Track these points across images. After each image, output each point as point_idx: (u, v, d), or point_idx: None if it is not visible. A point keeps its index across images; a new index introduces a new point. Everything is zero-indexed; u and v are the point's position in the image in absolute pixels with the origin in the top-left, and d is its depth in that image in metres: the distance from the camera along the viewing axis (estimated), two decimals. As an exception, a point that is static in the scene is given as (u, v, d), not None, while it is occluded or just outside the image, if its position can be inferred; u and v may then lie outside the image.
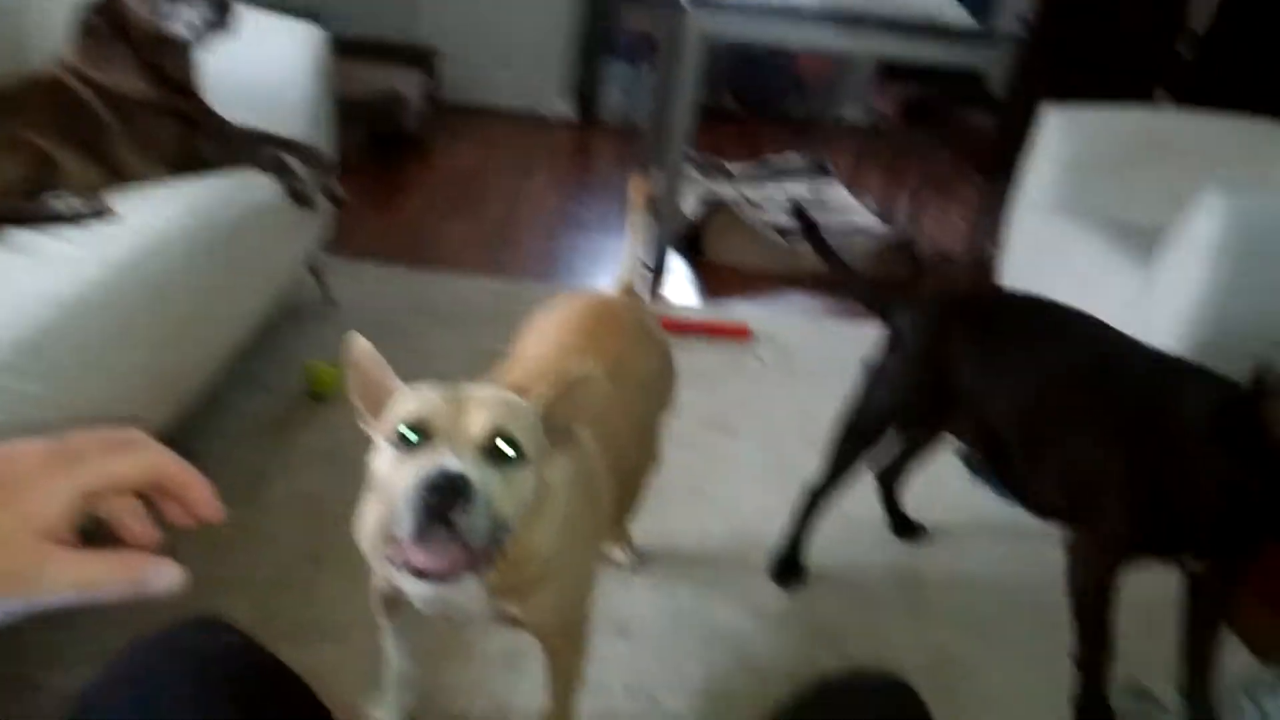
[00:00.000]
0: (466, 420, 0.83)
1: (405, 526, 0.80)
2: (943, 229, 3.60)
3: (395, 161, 3.59)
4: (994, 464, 1.47)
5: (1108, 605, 1.30)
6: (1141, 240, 2.02)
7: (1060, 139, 2.35)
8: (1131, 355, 1.35)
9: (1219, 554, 1.28)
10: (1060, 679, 1.36)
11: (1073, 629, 1.33)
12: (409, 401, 0.86)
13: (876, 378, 1.52)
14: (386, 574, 1.00)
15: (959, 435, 1.52)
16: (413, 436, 0.83)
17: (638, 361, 1.26)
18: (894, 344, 1.50)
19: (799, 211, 1.66)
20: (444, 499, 0.78)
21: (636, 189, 1.47)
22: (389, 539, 0.84)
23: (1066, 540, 1.35)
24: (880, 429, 1.52)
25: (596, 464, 1.05)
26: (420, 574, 0.82)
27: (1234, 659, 1.47)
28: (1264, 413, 1.15)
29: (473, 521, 0.79)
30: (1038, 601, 1.59)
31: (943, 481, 1.89)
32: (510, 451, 0.84)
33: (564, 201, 3.60)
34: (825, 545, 1.67)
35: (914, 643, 1.50)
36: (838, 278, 1.65)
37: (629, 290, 1.41)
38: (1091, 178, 2.34)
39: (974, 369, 1.42)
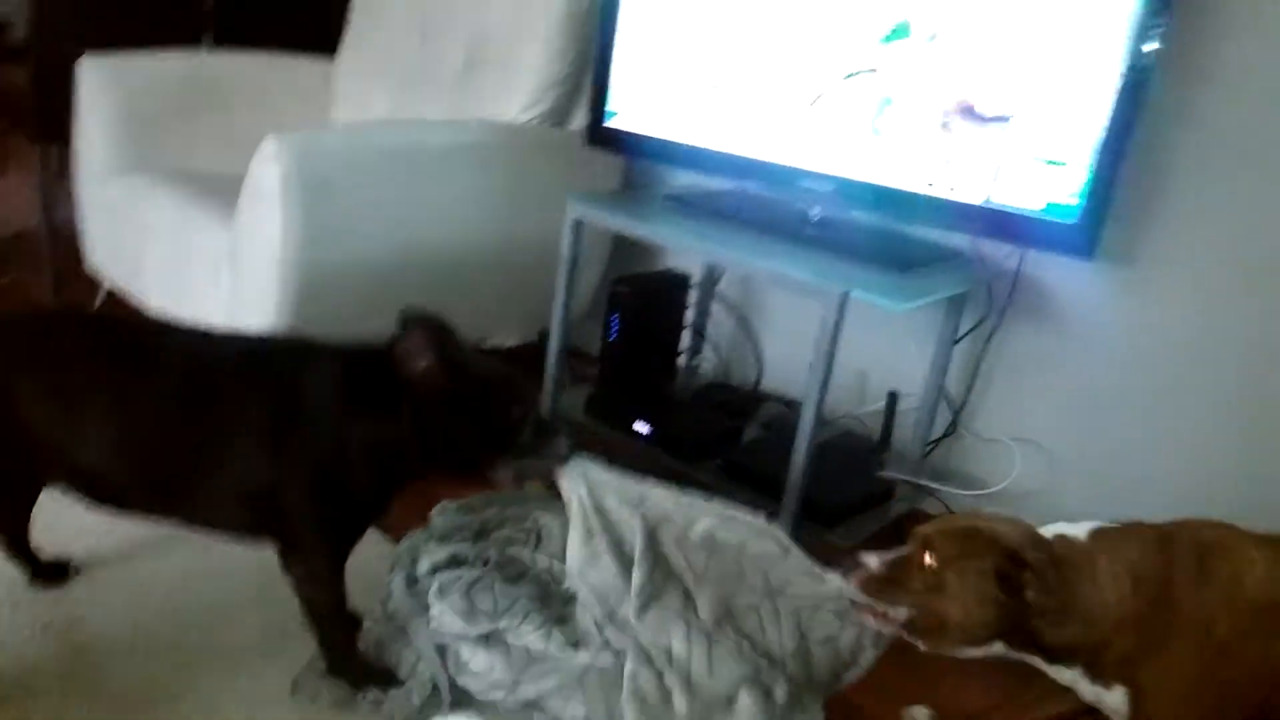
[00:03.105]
0: None
1: None
2: (10, 204, 3.11)
3: None
4: (114, 505, 1.30)
5: (344, 601, 1.31)
6: (224, 190, 1.97)
7: (106, 92, 2.15)
8: (233, 357, 1.28)
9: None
10: (273, 652, 1.35)
11: (313, 631, 1.32)
12: None
13: None
14: None
15: (56, 482, 1.30)
16: None
17: None
18: None
19: None
20: None
21: None
22: None
23: (282, 560, 1.29)
24: None
25: None
26: None
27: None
28: (396, 357, 1.19)
29: None
30: (226, 596, 1.51)
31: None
32: None
33: None
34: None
35: (91, 698, 1.29)
36: None
37: None
38: (153, 130, 2.21)
39: (54, 409, 1.21)
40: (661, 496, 1.48)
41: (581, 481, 1.44)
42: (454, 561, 1.48)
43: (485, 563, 1.49)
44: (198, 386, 1.24)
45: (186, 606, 1.48)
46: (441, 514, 1.60)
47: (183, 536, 1.61)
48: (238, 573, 1.54)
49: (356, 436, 1.22)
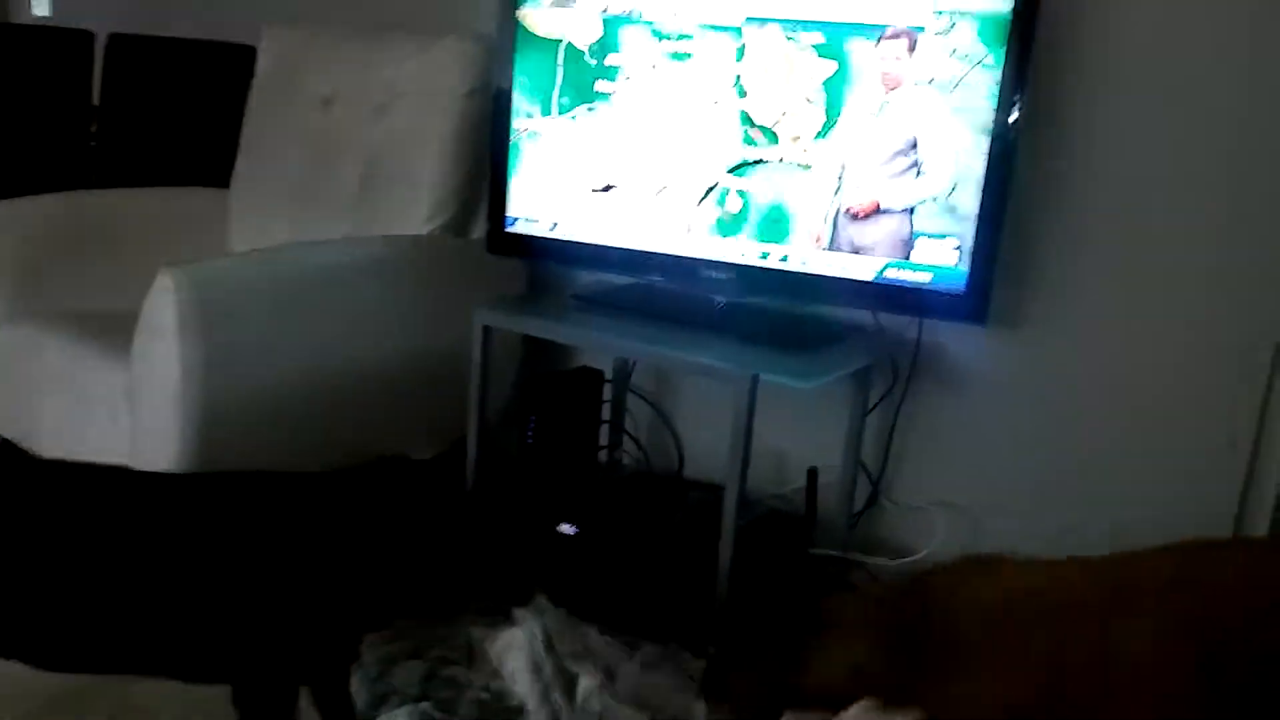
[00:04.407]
0: None
1: None
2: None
3: None
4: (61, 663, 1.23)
5: None
6: (119, 329, 1.92)
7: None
8: (200, 495, 1.27)
9: None
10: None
11: None
12: None
13: None
14: None
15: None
16: None
17: None
18: None
19: None
20: None
21: None
22: None
23: (235, 697, 1.22)
24: None
25: None
26: None
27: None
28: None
29: None
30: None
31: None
32: None
33: None
34: None
35: None
36: None
37: None
38: (40, 275, 2.16)
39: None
40: (601, 649, 1.50)
41: (537, 622, 1.46)
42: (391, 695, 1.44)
43: (422, 698, 1.45)
44: (169, 529, 1.21)
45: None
46: (372, 648, 1.55)
47: (93, 695, 1.53)
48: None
49: (329, 569, 1.20)
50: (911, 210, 1.65)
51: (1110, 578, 1.12)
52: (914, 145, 1.64)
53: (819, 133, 1.71)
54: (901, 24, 1.62)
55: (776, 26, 1.72)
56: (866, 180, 1.68)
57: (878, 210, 1.68)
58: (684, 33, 1.80)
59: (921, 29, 1.61)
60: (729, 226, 1.81)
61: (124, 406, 1.78)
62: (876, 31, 1.64)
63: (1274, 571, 1.07)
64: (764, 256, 1.79)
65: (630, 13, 1.84)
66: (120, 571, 1.18)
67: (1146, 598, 1.09)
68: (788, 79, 1.72)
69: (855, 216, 1.70)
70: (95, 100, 2.77)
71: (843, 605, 1.18)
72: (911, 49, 1.62)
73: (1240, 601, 1.05)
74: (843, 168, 1.70)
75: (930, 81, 1.61)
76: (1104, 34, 1.68)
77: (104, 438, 1.83)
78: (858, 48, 1.66)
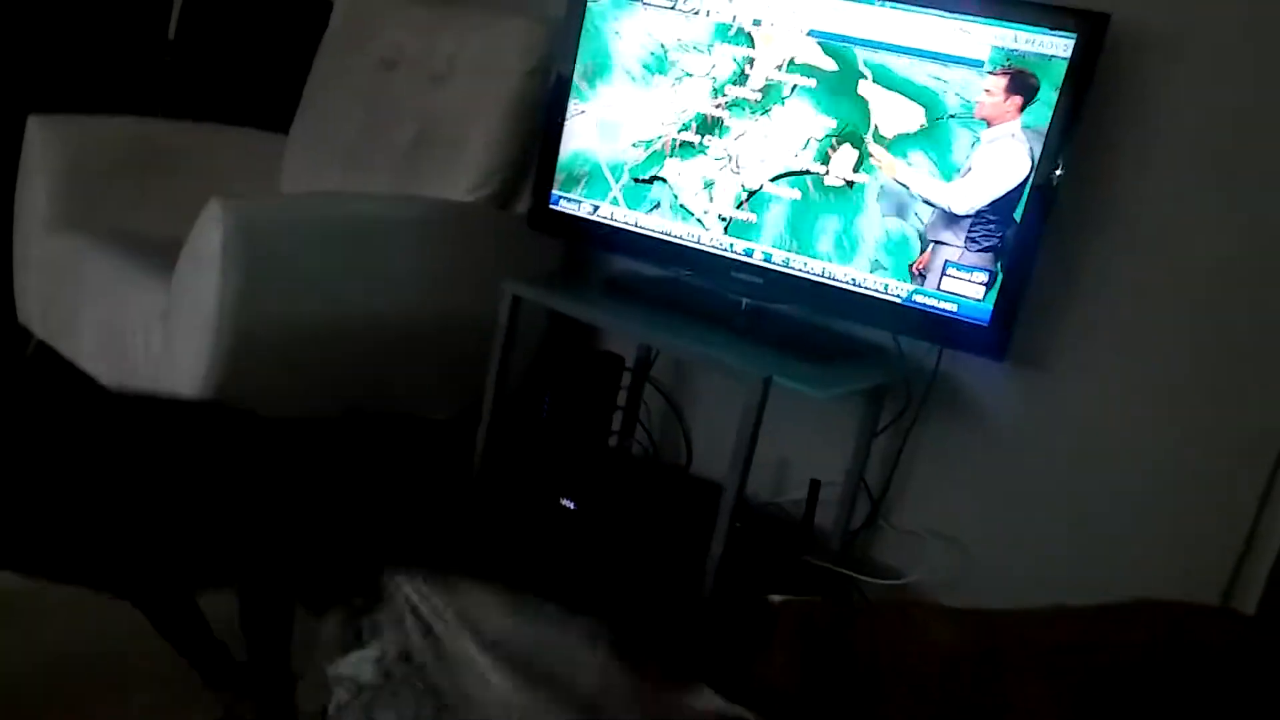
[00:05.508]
0: None
1: None
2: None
3: None
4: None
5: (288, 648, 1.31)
6: (164, 252, 1.99)
7: (50, 149, 2.18)
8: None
9: None
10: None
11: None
12: None
13: None
14: None
15: None
16: None
17: None
18: None
19: None
20: None
21: None
22: None
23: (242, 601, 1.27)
24: None
25: None
26: None
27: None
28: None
29: None
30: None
31: None
32: None
33: None
34: None
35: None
36: None
37: None
38: (97, 191, 2.23)
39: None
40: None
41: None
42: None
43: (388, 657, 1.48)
44: (137, 450, 1.23)
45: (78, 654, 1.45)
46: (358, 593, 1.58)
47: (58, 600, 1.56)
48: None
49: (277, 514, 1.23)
50: (939, 239, 1.67)
51: (1016, 637, 1.14)
52: (940, 178, 1.66)
53: (870, 151, 1.74)
54: (963, 57, 1.65)
55: (825, 43, 1.75)
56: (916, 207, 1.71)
57: (903, 228, 1.70)
58: (746, 35, 1.83)
59: (980, 62, 1.63)
60: (765, 232, 1.84)
61: (160, 327, 1.84)
62: (947, 60, 1.67)
63: (1181, 640, 1.08)
64: (802, 267, 1.81)
65: (698, 10, 1.88)
66: (72, 482, 1.20)
67: (1044, 658, 1.10)
68: (835, 98, 1.75)
69: (880, 235, 1.73)
70: (171, 35, 2.84)
71: (788, 611, 1.18)
72: (1009, 88, 1.63)
73: (1138, 669, 1.06)
74: (885, 190, 1.73)
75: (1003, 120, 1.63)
76: (1161, 89, 1.69)
77: (136, 354, 1.89)
78: (921, 75, 1.68)
